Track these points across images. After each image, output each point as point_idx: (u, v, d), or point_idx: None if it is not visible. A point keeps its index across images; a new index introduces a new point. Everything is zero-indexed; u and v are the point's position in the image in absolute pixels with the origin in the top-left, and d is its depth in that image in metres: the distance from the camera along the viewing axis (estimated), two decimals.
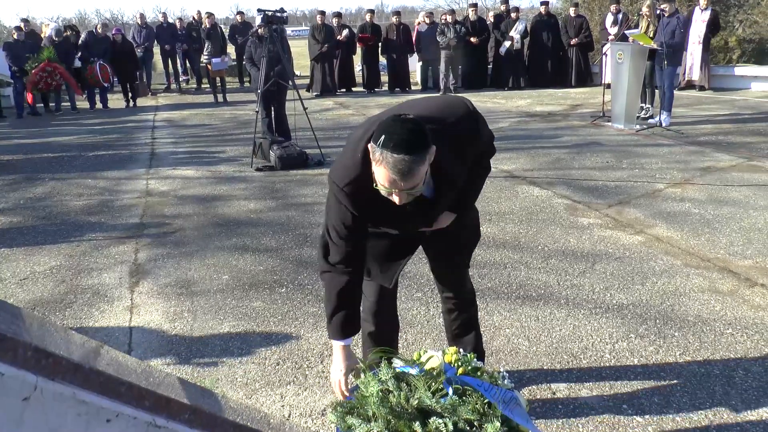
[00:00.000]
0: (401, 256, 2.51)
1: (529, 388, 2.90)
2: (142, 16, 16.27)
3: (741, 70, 13.49)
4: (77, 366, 0.76)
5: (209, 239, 5.06)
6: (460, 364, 2.07)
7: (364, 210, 2.13)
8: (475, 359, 2.15)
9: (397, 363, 2.11)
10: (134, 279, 4.33)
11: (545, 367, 3.07)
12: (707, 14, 12.00)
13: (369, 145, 1.94)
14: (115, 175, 7.45)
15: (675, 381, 2.92)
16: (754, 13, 17.88)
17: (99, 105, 13.80)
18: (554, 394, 2.86)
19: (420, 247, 2.62)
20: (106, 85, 13.56)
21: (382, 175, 1.90)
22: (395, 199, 1.96)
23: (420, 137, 1.87)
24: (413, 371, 2.00)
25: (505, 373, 2.17)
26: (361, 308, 2.55)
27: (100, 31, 13.81)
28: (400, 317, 3.56)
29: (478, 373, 2.07)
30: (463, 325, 2.78)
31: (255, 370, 3.13)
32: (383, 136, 1.85)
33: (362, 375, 2.07)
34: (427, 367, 2.00)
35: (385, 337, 2.68)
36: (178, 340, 3.45)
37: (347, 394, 2.25)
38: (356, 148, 2.07)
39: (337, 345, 2.31)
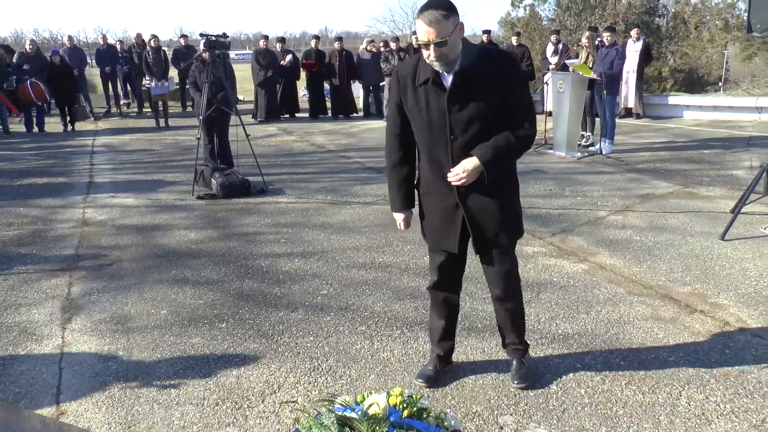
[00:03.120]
0: (450, 221, 2.93)
1: (476, 422, 2.85)
2: (70, 38, 15.70)
3: (675, 99, 13.99)
4: None
5: (148, 272, 4.88)
6: (405, 405, 2.00)
7: (405, 80, 2.80)
8: (421, 399, 2.08)
9: (339, 405, 2.03)
10: (66, 315, 4.12)
11: (492, 401, 3.03)
12: (639, 45, 12.47)
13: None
14: (50, 203, 7.16)
15: (621, 411, 2.92)
16: (685, 45, 18.76)
17: (35, 129, 13.33)
18: (501, 428, 2.81)
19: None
20: (40, 103, 13.07)
21: (418, 30, 2.58)
22: (429, 53, 2.58)
23: (447, 2, 2.57)
24: (354, 415, 1.92)
25: (452, 413, 2.11)
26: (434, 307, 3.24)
27: (29, 49, 13.35)
28: (343, 352, 3.54)
29: (424, 415, 2.00)
30: (508, 315, 3.15)
31: (192, 412, 2.99)
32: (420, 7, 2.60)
33: (303, 419, 1.98)
34: (370, 412, 1.92)
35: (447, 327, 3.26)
36: (111, 381, 3.28)
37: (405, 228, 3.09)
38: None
39: (399, 215, 3.07)
